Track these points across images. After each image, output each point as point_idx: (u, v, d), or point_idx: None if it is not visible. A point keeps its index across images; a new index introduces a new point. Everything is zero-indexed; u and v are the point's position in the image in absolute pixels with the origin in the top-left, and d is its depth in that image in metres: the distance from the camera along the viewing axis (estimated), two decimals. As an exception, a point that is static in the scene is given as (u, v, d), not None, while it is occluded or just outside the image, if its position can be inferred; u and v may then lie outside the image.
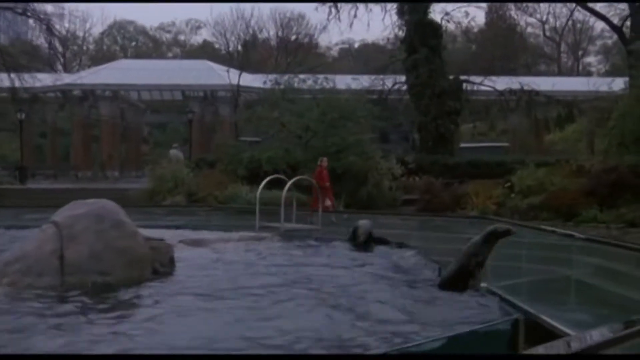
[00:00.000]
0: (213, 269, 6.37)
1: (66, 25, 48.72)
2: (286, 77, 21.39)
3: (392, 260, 6.92)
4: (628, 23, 27.05)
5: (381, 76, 27.55)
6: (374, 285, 5.54)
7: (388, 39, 28.17)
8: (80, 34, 53.96)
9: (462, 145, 41.52)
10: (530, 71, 52.50)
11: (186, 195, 18.60)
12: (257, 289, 5.22)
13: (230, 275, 5.98)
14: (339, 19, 27.42)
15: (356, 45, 61.44)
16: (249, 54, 47.72)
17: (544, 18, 55.11)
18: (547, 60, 61.12)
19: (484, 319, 4.24)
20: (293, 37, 53.61)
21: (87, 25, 56.95)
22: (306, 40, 53.93)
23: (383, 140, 43.64)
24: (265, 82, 22.94)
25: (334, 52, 62.69)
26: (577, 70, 57.16)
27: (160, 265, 6.14)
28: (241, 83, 27.90)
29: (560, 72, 55.12)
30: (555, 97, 33.74)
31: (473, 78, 26.82)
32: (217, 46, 54.57)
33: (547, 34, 56.99)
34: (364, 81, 26.98)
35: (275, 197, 12.00)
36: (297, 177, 10.63)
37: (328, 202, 15.43)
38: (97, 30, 57.21)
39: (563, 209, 15.64)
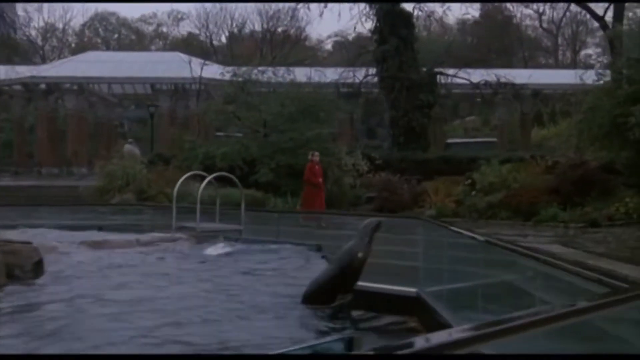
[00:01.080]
0: (88, 275, 5.99)
1: (45, 16, 48.07)
2: (244, 69, 20.37)
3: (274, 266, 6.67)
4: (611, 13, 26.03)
5: (351, 68, 26.48)
6: (232, 293, 5.26)
7: (355, 27, 27.25)
8: (60, 25, 53.05)
9: (450, 141, 40.67)
10: (526, 64, 51.49)
11: (136, 192, 17.81)
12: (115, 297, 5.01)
13: (100, 281, 5.67)
14: (308, 8, 26.58)
15: (350, 38, 60.44)
16: (233, 46, 46.67)
17: (541, 9, 53.99)
18: (545, 54, 60.11)
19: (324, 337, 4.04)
20: (280, 29, 52.36)
21: (67, 17, 56.27)
22: (293, 32, 52.58)
23: (369, 135, 42.82)
24: (222, 74, 21.97)
25: (328, 45, 61.75)
26: (575, 63, 56.07)
27: (21, 271, 5.69)
28: (210, 76, 26.84)
29: (557, 65, 54.09)
30: (543, 90, 32.77)
31: (447, 70, 25.67)
32: (201, 38, 53.37)
33: (545, 25, 55.90)
34: (329, 73, 25.90)
35: (227, 195, 11.65)
36: (217, 174, 9.80)
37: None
38: (77, 22, 56.27)
39: (523, 207, 14.74)
